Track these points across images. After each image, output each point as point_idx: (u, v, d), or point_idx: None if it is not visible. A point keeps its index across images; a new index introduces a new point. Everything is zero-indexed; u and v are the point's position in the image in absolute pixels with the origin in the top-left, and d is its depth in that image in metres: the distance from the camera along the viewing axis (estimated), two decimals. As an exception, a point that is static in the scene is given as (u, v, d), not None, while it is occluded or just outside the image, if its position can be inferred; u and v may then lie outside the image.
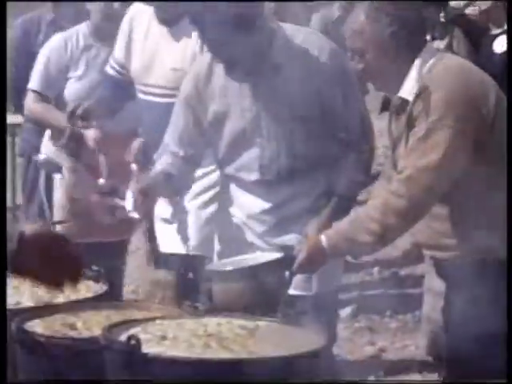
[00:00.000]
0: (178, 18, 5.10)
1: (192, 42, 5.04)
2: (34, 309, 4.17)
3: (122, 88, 5.48)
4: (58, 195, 6.38)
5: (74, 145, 6.20)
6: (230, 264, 4.37)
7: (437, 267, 4.42)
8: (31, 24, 7.81)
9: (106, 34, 6.17)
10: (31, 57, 7.66)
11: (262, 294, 4.13)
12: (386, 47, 4.10)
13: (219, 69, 4.58)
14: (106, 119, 5.60)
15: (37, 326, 3.89)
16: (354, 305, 7.41)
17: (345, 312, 7.44)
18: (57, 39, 6.56)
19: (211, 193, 5.11)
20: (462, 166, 3.99)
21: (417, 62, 4.08)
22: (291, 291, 4.45)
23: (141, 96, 5.37)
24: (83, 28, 6.42)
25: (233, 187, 4.77)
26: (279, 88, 4.50)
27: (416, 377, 6.30)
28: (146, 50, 5.25)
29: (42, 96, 6.48)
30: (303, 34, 4.64)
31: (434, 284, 4.50)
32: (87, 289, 4.44)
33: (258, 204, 4.68)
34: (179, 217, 5.18)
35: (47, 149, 6.56)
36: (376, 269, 8.72)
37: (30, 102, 6.59)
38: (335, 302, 4.97)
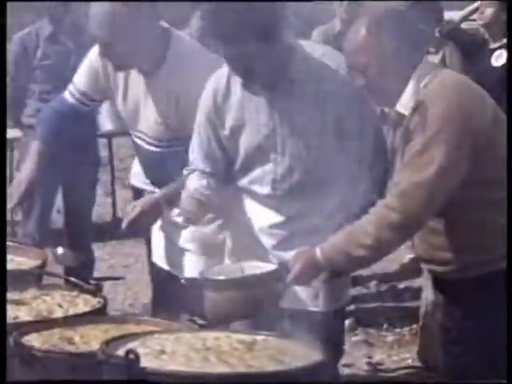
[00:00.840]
0: (155, 68, 5.02)
1: (171, 91, 4.96)
2: (31, 323, 4.15)
3: (75, 119, 5.41)
4: None
5: None
6: (223, 273, 4.33)
7: (434, 281, 4.41)
8: (29, 39, 7.81)
9: None
10: (30, 72, 7.69)
11: (254, 305, 4.13)
12: (389, 62, 4.09)
13: (236, 84, 4.56)
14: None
15: (34, 341, 3.87)
16: (351, 318, 7.40)
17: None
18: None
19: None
20: (458, 182, 3.97)
21: (414, 77, 4.07)
22: (297, 306, 4.46)
23: (133, 138, 5.33)
24: None
25: (245, 199, 4.75)
26: (296, 103, 4.47)
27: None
28: (129, 97, 5.18)
29: None
30: (321, 50, 4.65)
31: (432, 297, 4.48)
32: (85, 303, 4.43)
33: (269, 217, 4.66)
34: None
35: None
36: (373, 282, 8.72)
37: None
38: (342, 318, 4.95)
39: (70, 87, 5.36)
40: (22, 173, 5.36)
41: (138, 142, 5.24)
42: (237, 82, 4.56)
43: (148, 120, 5.09)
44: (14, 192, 5.26)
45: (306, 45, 4.66)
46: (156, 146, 5.11)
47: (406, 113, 4.07)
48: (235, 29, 4.29)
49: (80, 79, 5.31)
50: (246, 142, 4.61)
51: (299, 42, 4.65)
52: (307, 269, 4.12)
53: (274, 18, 4.42)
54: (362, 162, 4.51)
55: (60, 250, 5.42)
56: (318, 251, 4.10)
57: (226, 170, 4.74)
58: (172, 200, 4.80)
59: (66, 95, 5.37)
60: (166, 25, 5.03)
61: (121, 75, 5.12)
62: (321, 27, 9.65)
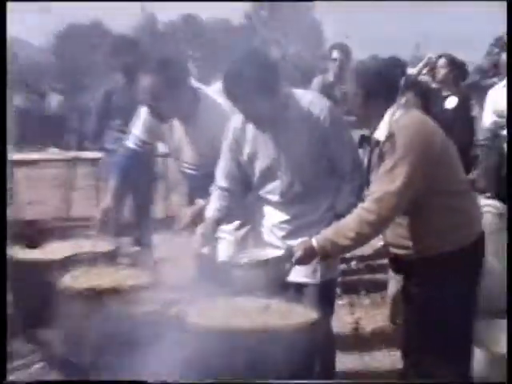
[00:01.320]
0: (190, 117, 5.00)
1: (207, 130, 4.95)
2: (110, 290, 4.15)
3: (138, 156, 5.44)
4: None
5: None
6: (246, 257, 4.37)
7: (393, 263, 4.42)
8: (111, 87, 7.87)
9: None
10: (109, 111, 7.76)
11: (268, 280, 4.15)
12: (371, 101, 4.12)
13: (250, 124, 4.58)
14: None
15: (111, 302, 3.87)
16: (338, 287, 7.38)
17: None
18: None
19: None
20: (417, 191, 3.99)
21: (389, 112, 4.10)
22: (302, 279, 4.47)
23: (178, 164, 5.37)
24: None
25: (262, 204, 4.78)
26: (292, 136, 4.49)
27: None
28: (174, 138, 5.18)
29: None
30: (309, 96, 4.63)
31: (397, 274, 4.50)
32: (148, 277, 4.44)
33: (279, 216, 4.69)
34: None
35: None
36: (354, 262, 8.71)
37: None
38: (334, 287, 4.96)
39: (131, 137, 5.37)
40: (104, 202, 5.39)
41: (182, 168, 5.27)
42: (250, 124, 4.59)
43: (188, 154, 5.11)
44: (99, 213, 5.29)
45: (296, 93, 4.64)
46: (194, 170, 5.14)
47: (382, 139, 4.09)
48: (242, 91, 4.29)
49: (136, 130, 5.31)
50: (259, 165, 4.64)
51: (292, 90, 4.63)
52: (306, 254, 4.13)
53: (273, 79, 4.41)
54: (344, 177, 4.58)
55: (126, 241, 5.46)
56: (314, 241, 4.11)
57: (242, 185, 4.76)
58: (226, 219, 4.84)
59: (129, 143, 5.38)
60: (195, 84, 5.04)
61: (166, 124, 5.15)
62: (319, 77, 9.61)
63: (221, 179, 4.74)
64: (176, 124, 5.03)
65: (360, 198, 4.60)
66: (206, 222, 4.67)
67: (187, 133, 5.02)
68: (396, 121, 4.06)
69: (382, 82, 4.14)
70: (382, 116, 4.12)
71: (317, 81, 9.36)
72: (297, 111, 4.49)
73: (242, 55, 4.50)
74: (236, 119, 4.67)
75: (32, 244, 5.02)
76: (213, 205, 4.71)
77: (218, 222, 4.68)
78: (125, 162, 5.42)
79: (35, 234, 5.57)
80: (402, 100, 4.22)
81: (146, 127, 5.21)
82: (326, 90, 8.25)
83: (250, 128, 4.61)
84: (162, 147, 5.77)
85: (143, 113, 5.09)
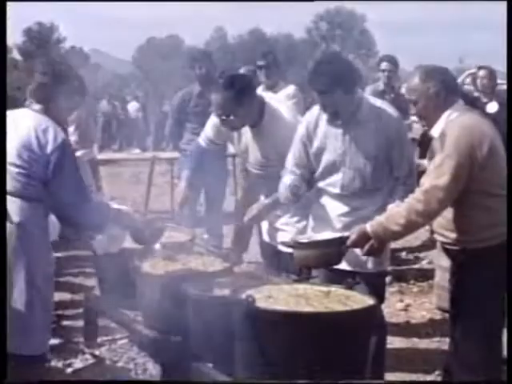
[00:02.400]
0: (258, 123, 4.99)
1: (271, 135, 4.95)
2: (187, 275, 4.19)
3: (209, 153, 5.46)
4: None
5: None
6: (305, 238, 4.39)
7: (444, 251, 4.38)
8: (187, 94, 7.92)
9: None
10: (186, 115, 7.81)
11: (326, 259, 4.17)
12: (431, 101, 4.10)
13: (322, 120, 4.59)
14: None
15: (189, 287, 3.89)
16: (390, 276, 7.34)
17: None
18: None
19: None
20: (460, 188, 3.95)
21: (446, 114, 4.07)
22: (356, 269, 4.45)
23: (245, 164, 5.38)
24: None
25: (323, 196, 4.73)
26: (360, 137, 4.51)
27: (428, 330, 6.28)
28: (242, 141, 5.17)
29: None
30: (380, 103, 4.67)
31: (443, 262, 4.44)
32: (219, 264, 4.46)
33: (339, 209, 4.66)
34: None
35: None
36: (404, 252, 8.65)
37: None
38: (385, 276, 4.94)
39: (202, 136, 5.42)
40: (179, 188, 5.50)
41: (248, 167, 5.28)
42: (323, 119, 4.59)
43: (255, 155, 5.11)
44: (176, 200, 5.37)
45: (369, 97, 4.71)
46: (259, 170, 5.14)
47: (435, 136, 4.08)
48: (328, 84, 4.36)
49: (208, 131, 5.36)
50: (326, 158, 4.62)
51: (366, 96, 4.69)
52: (360, 237, 4.13)
53: (355, 76, 4.51)
54: (399, 180, 4.56)
55: (205, 236, 5.49)
56: (368, 226, 4.11)
57: (309, 174, 4.72)
58: (274, 205, 4.89)
59: (200, 141, 5.43)
60: (260, 93, 5.05)
61: None
62: (371, 85, 9.65)
63: (293, 165, 4.72)
64: (244, 129, 5.05)
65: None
66: (279, 195, 4.71)
67: (253, 137, 5.04)
68: (450, 121, 4.04)
69: (443, 85, 4.11)
70: (440, 116, 4.10)
71: (369, 89, 9.36)
72: (368, 113, 4.51)
73: (329, 54, 4.56)
74: (310, 114, 4.70)
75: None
76: (285, 181, 4.69)
77: (290, 197, 4.68)
78: (197, 157, 5.49)
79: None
80: (459, 104, 4.17)
81: (217, 130, 5.24)
82: (377, 98, 8.23)
83: (322, 123, 4.61)
84: (231, 148, 5.79)
85: (215, 118, 5.11)
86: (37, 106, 4.18)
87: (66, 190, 4.01)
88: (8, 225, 3.93)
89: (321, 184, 4.72)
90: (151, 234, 4.44)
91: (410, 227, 4.09)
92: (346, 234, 4.25)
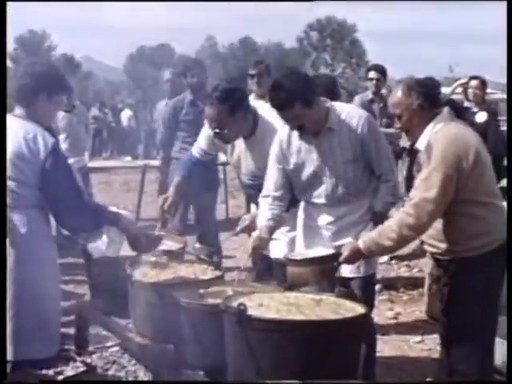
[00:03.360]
0: (251, 135, 4.99)
1: (264, 146, 4.90)
2: (177, 283, 4.18)
3: (201, 163, 5.44)
4: None
5: None
6: (299, 255, 4.39)
7: (434, 260, 4.39)
8: (178, 103, 7.89)
9: None
10: (177, 124, 7.78)
11: (319, 276, 4.15)
12: (415, 114, 4.11)
13: (294, 136, 4.63)
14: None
15: (179, 295, 3.88)
16: (379, 284, 7.34)
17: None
18: None
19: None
20: (449, 199, 3.96)
21: (430, 125, 4.09)
22: (348, 274, 4.46)
23: (240, 177, 5.38)
24: None
25: (309, 207, 4.76)
26: (334, 144, 4.54)
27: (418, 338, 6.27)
28: (235, 152, 5.16)
29: None
30: (347, 108, 4.69)
31: (433, 271, 4.45)
32: (210, 272, 4.46)
33: (326, 218, 4.68)
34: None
35: None
36: (394, 261, 8.67)
37: None
38: (374, 282, 4.94)
39: (196, 146, 5.41)
40: (168, 193, 5.39)
41: (241, 177, 5.27)
42: (295, 135, 4.64)
43: (247, 166, 5.12)
44: (162, 205, 5.34)
45: (336, 106, 4.67)
46: (251, 180, 5.14)
47: (421, 148, 4.09)
48: (284, 99, 4.38)
49: (201, 142, 5.34)
50: (305, 173, 4.66)
51: (332, 104, 4.66)
52: (353, 254, 4.13)
53: (312, 88, 4.49)
54: (380, 177, 4.61)
55: (197, 245, 5.47)
56: (360, 242, 4.12)
57: (290, 193, 4.75)
58: (278, 225, 4.79)
59: (193, 151, 5.42)
60: (252, 104, 5.04)
61: None
62: (359, 95, 9.71)
63: (270, 189, 4.73)
64: (237, 140, 5.05)
65: (395, 196, 4.69)
66: (260, 231, 4.63)
67: (247, 148, 5.04)
68: (435, 133, 4.06)
69: (426, 96, 4.12)
70: (424, 128, 4.11)
71: (357, 98, 9.42)
72: (337, 120, 4.54)
73: (285, 71, 4.60)
74: (281, 133, 4.71)
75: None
76: (265, 215, 4.68)
77: (271, 230, 4.66)
78: (189, 165, 5.46)
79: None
80: (443, 114, 4.18)
81: (210, 141, 5.23)
82: (366, 106, 8.28)
83: (295, 140, 4.64)
84: (222, 156, 5.77)
85: (208, 129, 5.10)
86: (19, 110, 4.19)
87: (62, 192, 4.05)
88: (13, 236, 4.00)
89: (305, 197, 4.76)
90: (149, 242, 4.44)
91: (402, 241, 4.11)
92: (338, 248, 4.26)
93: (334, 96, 5.16)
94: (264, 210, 4.71)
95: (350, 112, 4.61)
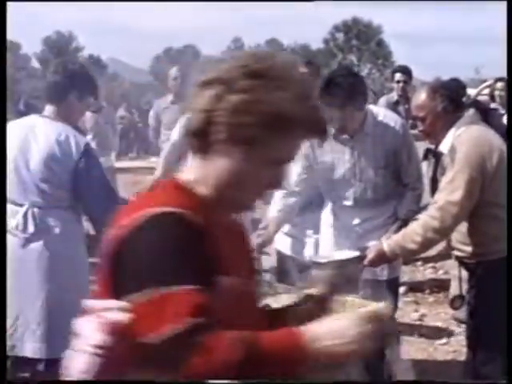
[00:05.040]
0: None
1: None
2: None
3: None
4: None
5: None
6: (324, 258, 4.36)
7: (459, 262, 4.37)
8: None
9: None
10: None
11: (344, 279, 4.13)
12: (438, 117, 4.10)
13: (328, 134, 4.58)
14: None
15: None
16: (405, 286, 7.34)
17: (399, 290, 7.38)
18: None
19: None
20: (474, 201, 3.95)
21: (453, 128, 4.07)
22: (373, 277, 4.45)
23: None
24: None
25: (336, 209, 4.76)
26: (368, 148, 4.53)
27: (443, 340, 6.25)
28: None
29: None
30: (383, 113, 4.67)
31: (458, 273, 4.43)
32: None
33: (352, 220, 4.70)
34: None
35: None
36: (420, 262, 8.64)
37: None
38: (398, 283, 4.93)
39: None
40: None
41: None
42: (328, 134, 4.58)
43: None
44: None
45: (373, 108, 4.70)
46: None
47: (445, 151, 4.07)
48: (341, 98, 4.35)
49: None
50: (335, 173, 4.66)
51: (369, 107, 4.67)
52: (378, 256, 4.14)
53: (366, 92, 4.57)
54: (408, 185, 4.62)
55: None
56: (385, 245, 4.12)
57: (307, 190, 4.76)
58: (288, 218, 4.85)
59: None
60: None
61: None
62: (385, 96, 9.68)
63: (294, 183, 4.71)
64: None
65: (419, 205, 4.68)
66: (269, 222, 4.66)
67: None
68: (458, 135, 4.04)
69: (451, 99, 4.11)
70: (448, 131, 4.09)
71: (382, 100, 9.38)
72: (373, 124, 4.53)
73: (342, 68, 4.60)
74: None
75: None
76: (276, 206, 4.68)
77: (280, 223, 4.67)
78: None
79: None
80: (466, 117, 4.17)
81: None
82: (391, 108, 8.25)
83: (328, 139, 4.59)
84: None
85: None
86: (49, 109, 4.22)
87: (96, 191, 4.11)
88: (48, 236, 4.08)
89: (331, 198, 4.75)
90: None
91: (426, 244, 4.10)
92: (362, 250, 4.27)
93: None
94: (276, 201, 4.69)
95: (386, 116, 4.61)
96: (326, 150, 4.62)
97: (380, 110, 4.67)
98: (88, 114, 9.47)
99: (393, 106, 8.77)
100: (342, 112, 4.37)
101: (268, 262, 4.72)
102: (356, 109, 4.40)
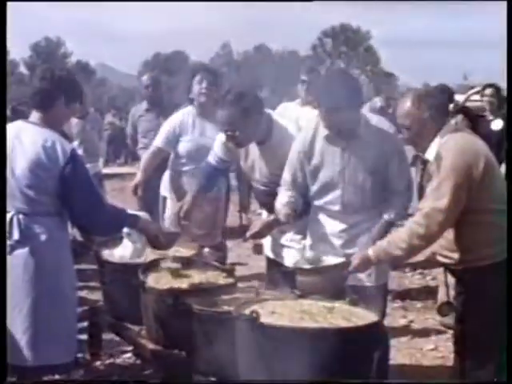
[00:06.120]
0: (266, 140, 4.97)
1: (279, 154, 4.90)
2: (189, 290, 4.17)
3: (218, 170, 5.50)
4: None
5: None
6: (309, 264, 4.36)
7: (449, 271, 4.36)
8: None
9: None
10: None
11: (328, 284, 4.14)
12: (424, 125, 4.08)
13: (319, 136, 4.61)
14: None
15: (191, 301, 3.88)
16: (393, 291, 7.32)
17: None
18: (179, 114, 6.63)
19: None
20: (460, 208, 3.94)
21: (439, 136, 4.06)
22: (359, 283, 4.43)
23: (252, 183, 5.37)
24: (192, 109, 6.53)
25: (322, 214, 4.75)
26: (359, 152, 4.53)
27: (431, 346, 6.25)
28: (249, 158, 5.15)
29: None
30: (376, 118, 4.67)
31: (447, 280, 4.42)
32: (223, 279, 4.45)
33: (337, 226, 4.68)
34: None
35: None
36: (407, 268, 8.64)
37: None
38: (386, 290, 4.91)
39: (212, 154, 5.42)
40: (185, 202, 5.50)
41: (253, 184, 5.27)
42: (320, 136, 4.62)
43: (261, 172, 5.11)
44: (177, 214, 5.43)
45: (366, 114, 4.70)
46: (264, 186, 5.13)
47: (430, 159, 4.07)
48: (339, 101, 4.33)
49: (217, 149, 5.36)
50: (323, 176, 4.65)
51: (362, 112, 4.67)
52: (363, 262, 4.14)
53: (362, 95, 4.55)
54: (396, 193, 4.60)
55: (206, 250, 5.49)
56: (370, 251, 4.12)
57: (305, 191, 4.75)
58: (276, 222, 4.79)
59: (210, 159, 5.44)
60: (267, 110, 5.03)
61: None
62: (368, 103, 9.65)
63: (289, 183, 4.75)
64: (251, 146, 5.04)
65: (406, 211, 4.69)
66: (277, 212, 4.69)
67: (261, 154, 5.03)
68: (444, 142, 4.03)
69: (435, 107, 4.10)
70: (433, 138, 4.09)
71: (367, 106, 9.37)
72: (366, 129, 4.52)
73: (338, 71, 4.60)
74: (306, 130, 4.70)
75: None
76: (282, 199, 4.71)
77: (290, 213, 4.66)
78: (207, 174, 5.51)
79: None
80: (452, 123, 4.16)
81: (225, 147, 5.23)
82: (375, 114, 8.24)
83: (320, 140, 4.62)
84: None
85: (222, 135, 5.10)
86: (36, 115, 4.21)
87: (82, 198, 4.14)
88: (33, 243, 4.09)
89: (319, 202, 4.73)
90: (168, 239, 4.49)
91: (411, 251, 4.09)
92: (348, 256, 4.27)
93: None
94: (281, 196, 4.73)
95: (379, 122, 4.60)
96: (317, 151, 4.64)
97: (373, 116, 4.67)
98: (74, 120, 9.44)
99: (377, 113, 8.76)
100: (340, 115, 4.38)
101: (256, 268, 4.69)
102: (352, 111, 4.40)
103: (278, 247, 5.14)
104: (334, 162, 4.59)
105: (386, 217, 4.57)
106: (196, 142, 6.42)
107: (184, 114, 6.55)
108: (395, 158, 4.54)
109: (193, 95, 6.53)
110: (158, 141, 6.59)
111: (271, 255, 5.22)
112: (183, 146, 6.47)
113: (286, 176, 4.76)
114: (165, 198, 6.70)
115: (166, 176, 6.77)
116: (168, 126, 6.59)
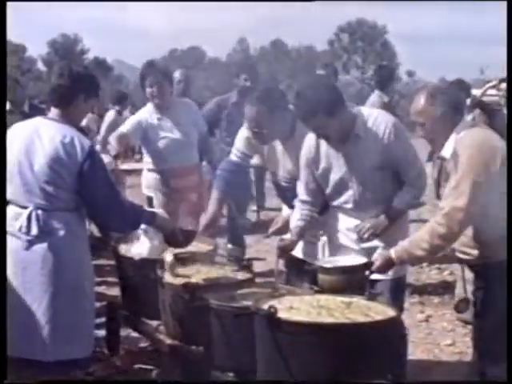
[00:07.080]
0: (290, 136, 4.96)
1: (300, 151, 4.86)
2: (207, 286, 4.17)
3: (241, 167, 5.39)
4: None
5: None
6: (330, 262, 4.37)
7: (469, 267, 4.34)
8: (223, 102, 7.87)
9: None
10: (219, 122, 7.76)
11: (351, 284, 4.12)
12: (438, 122, 4.06)
13: (322, 141, 4.63)
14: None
15: (209, 297, 3.88)
16: (411, 287, 7.29)
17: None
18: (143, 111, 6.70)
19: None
20: (480, 206, 3.90)
21: (454, 132, 4.03)
22: (377, 276, 4.41)
23: (273, 177, 5.36)
24: None
25: (337, 212, 4.76)
26: (361, 151, 4.52)
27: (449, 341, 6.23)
28: (271, 155, 5.14)
29: None
30: (375, 113, 4.64)
31: (464, 274, 4.40)
32: (241, 274, 4.44)
33: (353, 222, 4.67)
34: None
35: None
36: (425, 264, 8.60)
37: None
38: (404, 282, 4.90)
39: (234, 150, 5.33)
40: (209, 211, 5.33)
41: (277, 180, 5.26)
42: (323, 141, 4.64)
43: (285, 169, 5.10)
44: (204, 220, 5.37)
45: (364, 111, 4.68)
46: (287, 183, 5.12)
47: (447, 156, 4.05)
48: (308, 110, 4.39)
49: (239, 144, 5.28)
50: (333, 178, 4.67)
51: (360, 109, 4.68)
52: (385, 263, 4.12)
53: (336, 99, 4.47)
54: (407, 182, 4.60)
55: (228, 245, 5.49)
56: (392, 252, 4.11)
57: (322, 196, 4.77)
58: (308, 227, 4.81)
59: (232, 156, 5.34)
60: (291, 107, 5.03)
61: None
62: (370, 98, 9.63)
63: (302, 193, 4.79)
64: (275, 142, 5.04)
65: (417, 200, 4.71)
66: (290, 232, 4.72)
67: (285, 151, 5.03)
68: (460, 139, 3.99)
69: (450, 103, 4.07)
70: (449, 136, 4.06)
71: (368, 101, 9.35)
72: (365, 127, 4.51)
73: (308, 80, 4.60)
74: (310, 137, 4.71)
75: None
76: (296, 216, 4.76)
77: (300, 232, 4.71)
78: (228, 175, 5.37)
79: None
80: (468, 119, 4.13)
81: (248, 143, 5.21)
82: (384, 107, 8.21)
83: (324, 145, 4.64)
84: (255, 159, 5.73)
85: (245, 130, 5.09)
86: (54, 112, 4.23)
87: (100, 194, 4.16)
88: (52, 238, 4.11)
89: (333, 202, 4.77)
90: (185, 237, 4.51)
91: (433, 251, 4.07)
92: (365, 251, 4.28)
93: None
94: (295, 212, 4.78)
95: (377, 118, 4.57)
96: (323, 155, 4.67)
97: (371, 113, 4.64)
98: (93, 117, 9.48)
99: (385, 105, 8.75)
100: (314, 122, 4.42)
101: (274, 264, 4.69)
102: (326, 116, 4.37)
103: (300, 244, 5.13)
104: (339, 164, 4.62)
105: (394, 204, 4.58)
106: (170, 139, 6.51)
107: (147, 112, 6.66)
108: (399, 150, 4.52)
109: (148, 95, 6.63)
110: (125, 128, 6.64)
111: (294, 252, 5.22)
112: (161, 143, 6.56)
113: (300, 187, 4.81)
114: (150, 199, 6.70)
115: (147, 176, 6.79)
116: (134, 118, 6.71)
